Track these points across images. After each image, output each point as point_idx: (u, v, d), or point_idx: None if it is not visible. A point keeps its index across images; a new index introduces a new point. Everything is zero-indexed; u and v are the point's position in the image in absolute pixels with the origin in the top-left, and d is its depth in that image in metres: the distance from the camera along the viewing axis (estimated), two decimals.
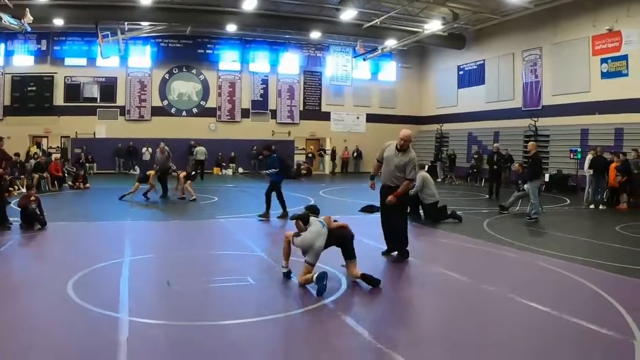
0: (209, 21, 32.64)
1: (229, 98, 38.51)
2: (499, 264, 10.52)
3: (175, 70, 37.49)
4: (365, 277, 8.14)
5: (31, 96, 34.25)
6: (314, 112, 40.53)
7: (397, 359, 5.42)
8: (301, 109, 40.24)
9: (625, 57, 25.49)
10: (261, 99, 39.11)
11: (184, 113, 37.73)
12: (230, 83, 38.49)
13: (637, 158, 20.71)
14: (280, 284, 8.28)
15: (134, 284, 7.99)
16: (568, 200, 22.28)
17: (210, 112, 38.26)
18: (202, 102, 38.15)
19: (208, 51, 37.50)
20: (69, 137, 35.32)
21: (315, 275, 7.68)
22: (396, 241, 10.20)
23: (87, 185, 23.97)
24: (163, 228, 14.25)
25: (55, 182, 23.26)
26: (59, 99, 34.95)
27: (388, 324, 6.81)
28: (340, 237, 8.38)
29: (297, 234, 8.26)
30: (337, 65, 39.86)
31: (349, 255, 8.39)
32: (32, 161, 24.57)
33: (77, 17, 30.15)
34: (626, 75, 25.45)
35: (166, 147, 21.00)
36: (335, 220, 8.69)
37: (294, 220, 8.42)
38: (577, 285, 8.58)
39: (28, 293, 7.51)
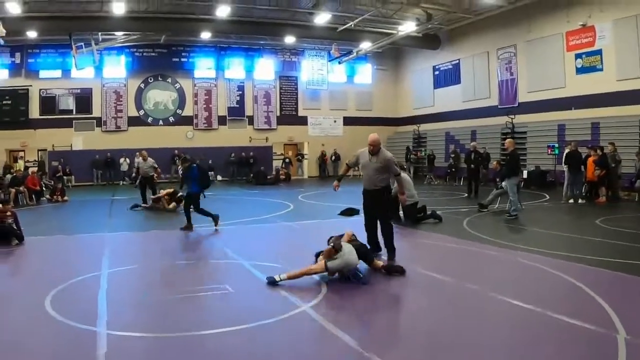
0: (183, 29, 32.46)
1: (205, 106, 38.34)
2: (480, 262, 10.50)
3: (150, 79, 37.26)
4: (387, 268, 9.13)
5: (6, 110, 33.91)
6: (291, 117, 40.45)
7: None
8: (278, 114, 40.15)
9: (599, 52, 25.69)
10: (237, 105, 38.97)
11: (160, 122, 37.50)
12: (206, 91, 38.34)
13: (614, 152, 20.89)
14: (259, 291, 8.17)
15: (112, 297, 7.85)
16: (547, 196, 22.38)
17: (187, 121, 38.05)
18: (179, 111, 37.93)
19: (183, 59, 37.33)
20: (46, 150, 34.93)
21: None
22: (386, 242, 10.40)
23: (66, 198, 23.63)
24: (142, 239, 14.09)
25: (33, 196, 22.94)
26: (34, 111, 34.62)
27: (369, 327, 6.76)
28: (361, 249, 9.08)
29: (330, 259, 8.45)
30: (313, 69, 39.82)
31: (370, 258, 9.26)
32: (9, 176, 24.25)
33: (50, 29, 29.89)
34: (601, 70, 25.65)
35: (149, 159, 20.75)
36: (353, 235, 9.47)
37: (330, 245, 8.62)
38: (559, 280, 8.57)
39: (5, 308, 7.35)
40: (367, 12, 29.95)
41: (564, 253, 10.42)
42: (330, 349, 5.94)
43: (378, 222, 10.42)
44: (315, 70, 39.84)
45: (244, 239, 13.46)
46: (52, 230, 15.11)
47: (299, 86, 40.47)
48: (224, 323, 6.64)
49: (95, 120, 36.07)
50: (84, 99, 35.77)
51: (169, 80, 37.71)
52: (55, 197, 23.42)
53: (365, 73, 41.96)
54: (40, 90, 34.87)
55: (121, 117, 36.57)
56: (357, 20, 31.04)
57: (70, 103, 35.56)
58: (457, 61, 35.54)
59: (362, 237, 10.00)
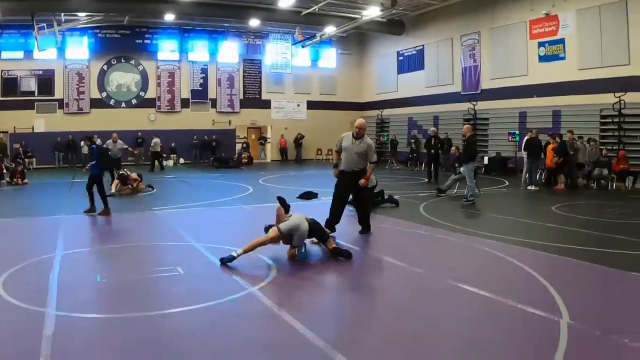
0: (147, 11, 31.94)
1: (168, 88, 37.80)
2: (433, 247, 10.55)
3: (113, 61, 36.54)
4: (335, 251, 8.98)
5: None
6: (254, 100, 40.07)
7: (319, 343, 5.32)
8: (241, 97, 39.75)
9: (562, 41, 25.85)
10: (201, 88, 38.50)
11: (123, 104, 36.83)
12: (169, 73, 37.79)
13: (573, 139, 21.11)
14: (210, 273, 8.18)
15: (65, 279, 7.77)
16: (506, 182, 22.59)
17: (150, 103, 37.47)
18: (142, 93, 37.32)
19: (146, 41, 36.66)
20: (7, 132, 34.19)
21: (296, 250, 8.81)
22: (363, 217, 11.24)
23: (26, 181, 23.14)
24: (98, 221, 13.85)
25: None
26: None
27: (312, 308, 6.82)
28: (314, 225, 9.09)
29: (282, 222, 8.77)
30: (277, 53, 39.45)
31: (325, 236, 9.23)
32: None
33: (12, 9, 29.00)
34: (563, 58, 25.82)
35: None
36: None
37: (278, 205, 9.20)
38: (510, 265, 8.62)
39: None
40: None
41: (517, 239, 10.51)
42: (274, 329, 5.96)
43: (344, 205, 11.11)
44: (279, 54, 39.48)
45: (199, 222, 13.36)
46: (8, 212, 14.80)
47: (263, 69, 40.07)
48: (172, 304, 6.66)
49: (57, 102, 35.28)
50: (46, 81, 34.99)
51: (132, 62, 37.04)
52: (15, 180, 23.00)
53: (330, 57, 41.70)
54: (1, 71, 33.97)
55: (83, 99, 35.85)
56: (321, 4, 30.78)
57: (32, 84, 34.76)
58: (422, 47, 35.50)
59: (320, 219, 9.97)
